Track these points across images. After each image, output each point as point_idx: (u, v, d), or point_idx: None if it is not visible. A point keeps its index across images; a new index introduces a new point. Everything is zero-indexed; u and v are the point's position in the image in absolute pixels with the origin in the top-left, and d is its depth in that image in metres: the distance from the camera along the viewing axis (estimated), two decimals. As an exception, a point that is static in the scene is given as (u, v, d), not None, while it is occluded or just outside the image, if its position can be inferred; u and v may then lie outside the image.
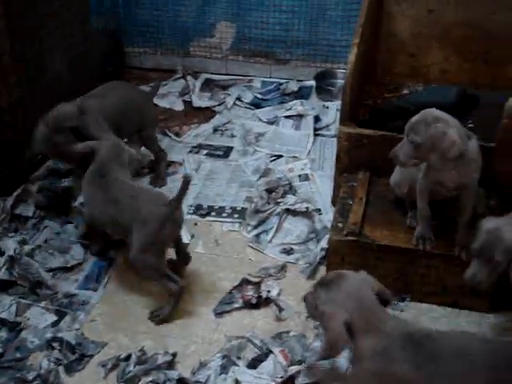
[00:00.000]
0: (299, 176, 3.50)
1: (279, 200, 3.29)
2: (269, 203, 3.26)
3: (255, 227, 3.13)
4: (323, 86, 4.35)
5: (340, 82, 4.25)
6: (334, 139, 3.51)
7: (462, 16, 3.81)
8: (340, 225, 2.76)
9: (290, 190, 3.39)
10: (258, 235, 3.10)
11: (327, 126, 4.03)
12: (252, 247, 3.03)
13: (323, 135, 3.95)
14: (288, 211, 3.22)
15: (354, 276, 2.05)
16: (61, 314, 2.63)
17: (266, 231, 3.11)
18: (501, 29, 3.78)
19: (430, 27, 3.88)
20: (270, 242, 3.05)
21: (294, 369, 2.35)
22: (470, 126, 3.42)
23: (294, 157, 3.72)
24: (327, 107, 4.18)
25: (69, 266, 2.88)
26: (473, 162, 2.49)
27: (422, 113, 2.45)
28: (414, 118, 2.44)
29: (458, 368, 1.85)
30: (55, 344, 2.46)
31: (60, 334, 2.50)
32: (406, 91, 3.93)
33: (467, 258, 2.52)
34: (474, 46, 3.84)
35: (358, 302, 1.96)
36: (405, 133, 2.45)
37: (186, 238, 2.98)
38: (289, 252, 3.00)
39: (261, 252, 3.00)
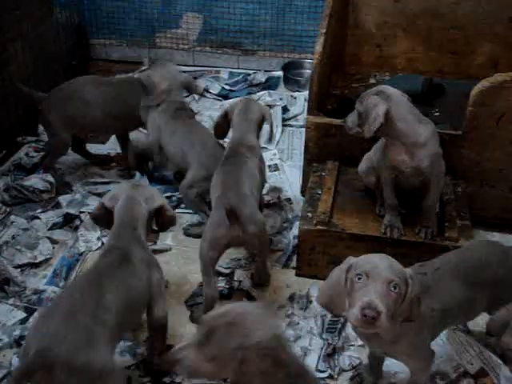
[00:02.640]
0: (269, 166, 3.49)
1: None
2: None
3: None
4: (291, 76, 4.36)
5: (308, 72, 4.26)
6: (303, 129, 3.52)
7: (428, 6, 3.86)
8: (309, 214, 2.77)
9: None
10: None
11: (295, 116, 4.04)
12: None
13: (291, 125, 3.96)
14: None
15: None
16: (30, 311, 2.60)
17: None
18: (465, 18, 3.83)
19: (396, 17, 3.92)
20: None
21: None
22: (436, 114, 3.47)
23: (263, 147, 3.71)
24: (295, 97, 4.19)
25: (37, 261, 2.84)
26: (424, 146, 2.50)
27: (377, 86, 2.53)
28: (368, 90, 2.52)
29: None
30: (24, 342, 2.42)
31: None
32: (372, 81, 3.96)
33: (426, 239, 2.63)
34: (440, 36, 3.89)
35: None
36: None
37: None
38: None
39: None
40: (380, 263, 1.77)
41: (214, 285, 2.49)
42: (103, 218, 2.34)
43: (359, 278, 1.74)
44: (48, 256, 2.88)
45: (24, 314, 2.57)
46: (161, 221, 2.40)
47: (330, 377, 2.34)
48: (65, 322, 1.82)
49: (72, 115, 3.19)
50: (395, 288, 1.74)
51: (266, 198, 3.23)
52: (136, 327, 2.39)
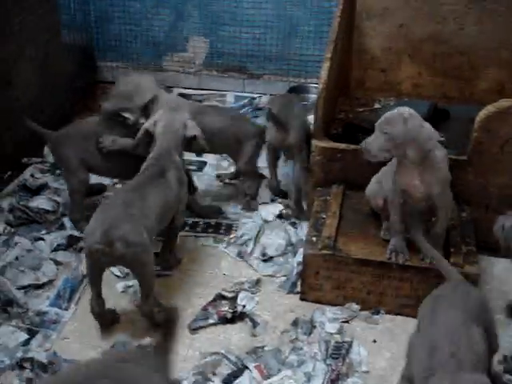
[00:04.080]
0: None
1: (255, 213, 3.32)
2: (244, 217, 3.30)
3: (234, 241, 3.14)
4: (296, 100, 4.36)
5: (313, 96, 4.27)
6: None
7: (432, 31, 3.88)
8: (314, 239, 2.76)
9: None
10: (239, 248, 3.09)
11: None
12: (233, 260, 3.04)
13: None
14: (265, 222, 3.24)
15: None
16: (32, 333, 2.58)
17: (245, 244, 3.10)
18: (470, 44, 3.85)
19: (401, 42, 3.94)
20: (250, 254, 3.05)
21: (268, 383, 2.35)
22: (442, 139, 3.46)
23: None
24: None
25: (40, 283, 2.83)
26: (437, 171, 2.53)
27: (397, 109, 2.52)
28: (389, 113, 2.50)
29: None
30: (26, 364, 2.41)
31: (31, 354, 2.45)
32: (378, 105, 3.97)
33: (430, 264, 2.60)
34: (445, 61, 3.90)
35: None
36: (378, 127, 2.49)
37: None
38: (269, 264, 3.00)
39: (239, 266, 2.99)
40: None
41: None
42: (144, 142, 2.85)
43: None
44: (51, 277, 2.87)
45: (26, 336, 2.56)
46: (194, 147, 2.92)
47: (334, 403, 2.32)
48: (121, 211, 2.45)
49: (90, 155, 3.11)
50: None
51: (270, 220, 3.24)
52: (162, 228, 2.78)
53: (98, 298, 2.54)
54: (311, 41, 4.43)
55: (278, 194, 3.46)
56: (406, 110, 2.49)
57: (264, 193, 3.46)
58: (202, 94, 4.57)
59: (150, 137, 2.84)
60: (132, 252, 2.39)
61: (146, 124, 2.88)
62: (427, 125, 2.49)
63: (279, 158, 3.50)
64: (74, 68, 4.28)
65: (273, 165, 3.43)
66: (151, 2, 4.53)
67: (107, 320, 2.61)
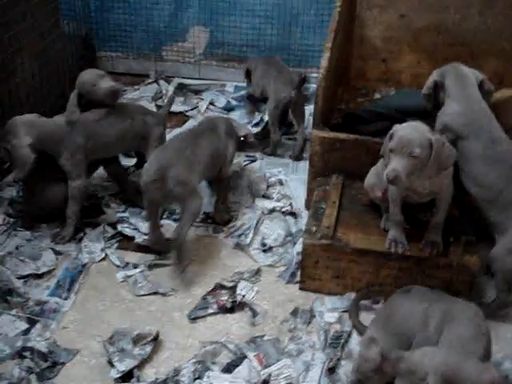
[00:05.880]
0: (273, 180, 3.49)
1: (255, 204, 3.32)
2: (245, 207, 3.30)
3: (234, 231, 3.14)
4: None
5: (313, 86, 4.27)
6: (308, 143, 3.52)
7: (433, 21, 3.87)
8: (314, 228, 2.77)
9: (266, 193, 3.40)
10: (238, 238, 3.09)
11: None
12: (232, 250, 3.04)
13: (296, 139, 3.95)
14: (264, 215, 3.23)
15: None
16: (32, 322, 2.59)
17: (244, 234, 3.10)
18: (470, 34, 3.85)
19: (402, 32, 3.93)
20: (250, 245, 3.05)
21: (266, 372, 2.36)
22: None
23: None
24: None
25: (40, 272, 2.84)
26: (446, 172, 2.53)
27: (412, 127, 2.43)
28: (409, 133, 2.39)
29: None
30: (26, 353, 2.42)
31: (31, 343, 2.46)
32: (378, 95, 3.97)
33: (431, 253, 2.62)
34: (445, 51, 3.89)
35: None
36: (401, 151, 2.37)
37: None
38: (269, 254, 3.00)
39: (238, 256, 3.00)
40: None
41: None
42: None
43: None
44: (51, 267, 2.88)
45: (26, 325, 2.57)
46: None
47: (333, 392, 2.33)
48: (175, 153, 2.82)
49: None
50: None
51: (270, 210, 3.24)
52: (211, 175, 3.12)
53: (154, 230, 2.91)
54: (312, 31, 4.41)
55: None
56: (421, 127, 2.43)
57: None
58: (201, 84, 4.56)
59: None
60: (180, 189, 2.75)
61: None
62: (446, 142, 2.46)
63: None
64: (74, 58, 4.27)
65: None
66: (151, -8, 4.52)
67: (162, 248, 2.96)
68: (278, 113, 3.71)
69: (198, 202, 2.82)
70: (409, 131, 2.41)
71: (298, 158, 3.74)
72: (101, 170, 3.35)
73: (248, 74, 4.01)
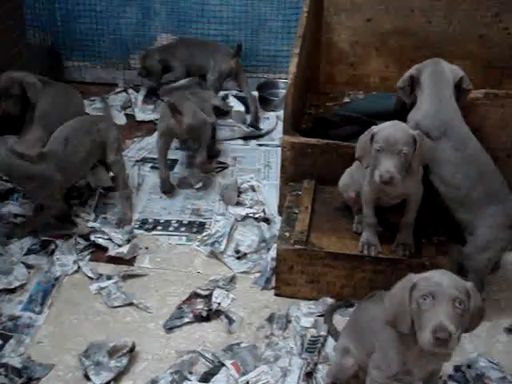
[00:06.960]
0: (245, 186, 3.49)
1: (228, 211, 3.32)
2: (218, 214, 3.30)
3: (207, 239, 3.12)
4: (266, 96, 4.37)
5: (282, 91, 4.29)
6: (278, 149, 3.53)
7: (400, 25, 3.91)
8: (287, 234, 2.78)
9: (238, 200, 3.40)
10: (212, 246, 3.07)
11: (268, 132, 4.08)
12: (206, 258, 3.03)
13: (267, 145, 3.97)
14: (237, 221, 3.23)
15: None
16: (5, 338, 2.55)
17: (218, 241, 3.09)
18: (437, 37, 3.89)
19: (369, 36, 3.96)
20: (224, 252, 3.04)
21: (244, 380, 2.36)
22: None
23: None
24: (267, 117, 4.22)
25: (12, 287, 2.79)
26: (416, 172, 2.56)
27: (394, 125, 2.45)
28: (393, 132, 2.40)
29: None
30: (0, 369, 2.38)
31: (5, 360, 2.42)
32: (347, 99, 4.00)
33: (402, 255, 2.65)
34: (412, 54, 3.92)
35: None
36: (390, 149, 2.38)
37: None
38: (243, 261, 3.00)
39: (212, 264, 2.99)
40: (443, 281, 1.79)
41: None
42: None
43: (425, 299, 1.78)
44: (23, 281, 2.83)
45: (0, 341, 2.53)
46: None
47: (311, 397, 2.33)
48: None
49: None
50: (460, 304, 1.77)
51: (243, 217, 3.24)
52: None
53: (165, 168, 3.46)
54: (280, 36, 4.43)
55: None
56: (402, 124, 2.47)
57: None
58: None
59: None
60: (196, 124, 3.33)
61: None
62: (425, 137, 2.50)
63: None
64: (40, 68, 4.21)
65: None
66: (117, 0, 4.49)
67: (170, 188, 3.47)
68: (219, 83, 4.10)
69: (208, 137, 3.49)
70: (392, 130, 2.42)
71: (256, 123, 4.05)
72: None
73: (147, 68, 4.34)
